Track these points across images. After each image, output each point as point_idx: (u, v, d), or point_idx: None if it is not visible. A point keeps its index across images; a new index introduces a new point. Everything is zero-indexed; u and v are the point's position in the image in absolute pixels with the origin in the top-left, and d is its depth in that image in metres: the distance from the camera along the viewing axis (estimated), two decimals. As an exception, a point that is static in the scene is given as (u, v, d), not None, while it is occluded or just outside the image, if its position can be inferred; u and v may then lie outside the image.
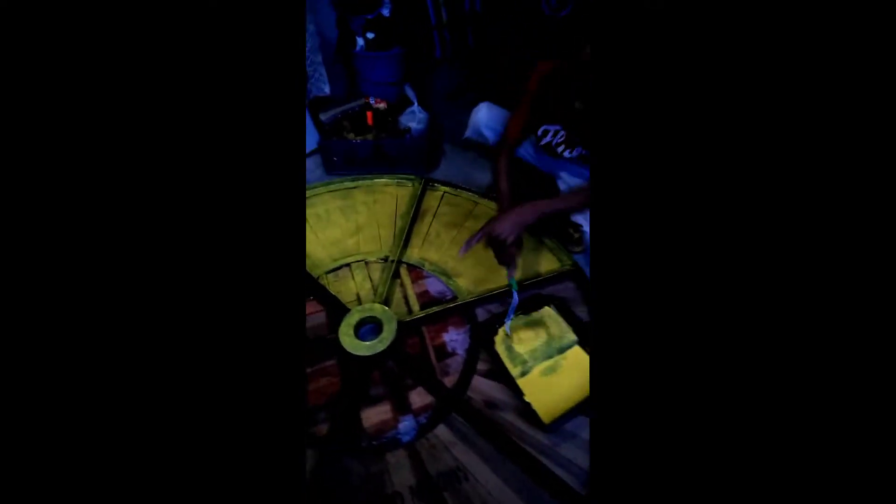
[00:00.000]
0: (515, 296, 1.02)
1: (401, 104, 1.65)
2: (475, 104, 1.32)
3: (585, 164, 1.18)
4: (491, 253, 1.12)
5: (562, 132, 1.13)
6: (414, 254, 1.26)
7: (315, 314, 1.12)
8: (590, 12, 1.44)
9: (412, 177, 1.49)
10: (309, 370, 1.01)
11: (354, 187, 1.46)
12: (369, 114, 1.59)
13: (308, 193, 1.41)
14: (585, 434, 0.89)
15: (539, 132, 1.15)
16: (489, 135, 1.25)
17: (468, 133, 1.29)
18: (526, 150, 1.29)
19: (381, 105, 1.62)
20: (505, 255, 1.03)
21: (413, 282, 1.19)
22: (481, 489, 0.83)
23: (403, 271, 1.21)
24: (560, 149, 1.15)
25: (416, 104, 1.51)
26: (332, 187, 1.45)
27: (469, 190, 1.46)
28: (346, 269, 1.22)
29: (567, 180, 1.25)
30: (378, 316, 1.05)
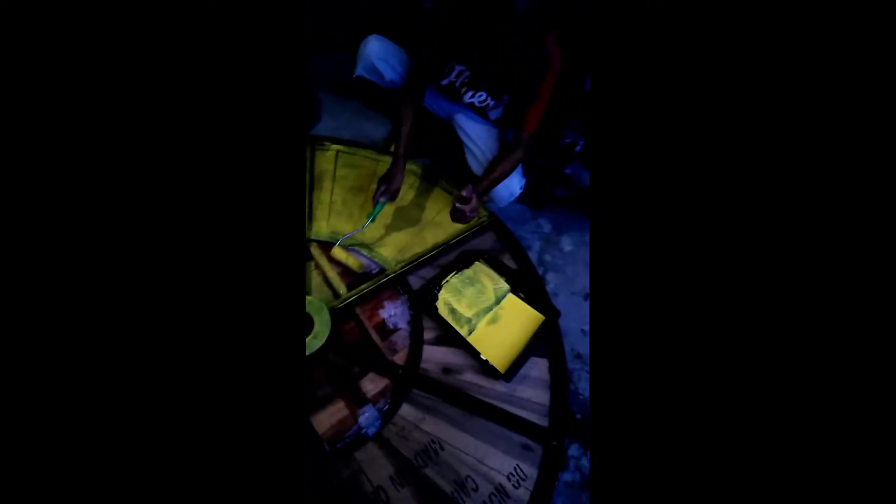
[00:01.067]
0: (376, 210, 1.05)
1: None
2: (348, 42, 1.14)
3: (481, 112, 1.16)
4: (417, 212, 1.07)
5: (466, 72, 1.06)
6: (322, 228, 1.09)
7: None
8: None
9: (293, 135, 1.25)
10: (230, 391, 0.83)
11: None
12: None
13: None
14: (535, 372, 0.96)
15: (447, 68, 1.06)
16: (385, 69, 1.10)
17: (358, 70, 1.12)
18: None
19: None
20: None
21: (330, 261, 1.04)
22: (458, 452, 0.84)
23: (316, 250, 1.05)
24: (463, 90, 1.09)
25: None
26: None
27: (364, 146, 1.31)
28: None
29: (463, 125, 1.21)
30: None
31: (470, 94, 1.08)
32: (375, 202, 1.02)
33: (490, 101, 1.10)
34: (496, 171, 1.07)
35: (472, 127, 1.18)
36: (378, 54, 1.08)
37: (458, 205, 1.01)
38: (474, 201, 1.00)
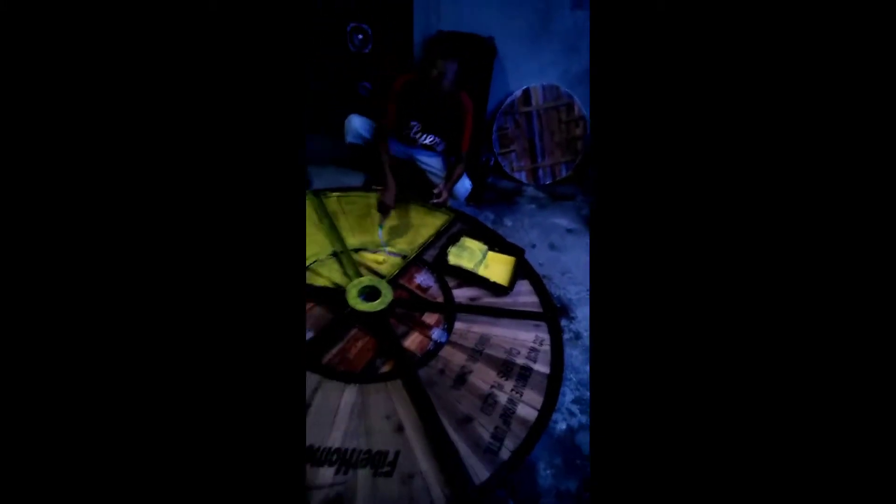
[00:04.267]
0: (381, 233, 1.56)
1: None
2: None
3: (432, 148, 1.76)
4: (409, 221, 1.58)
5: (419, 125, 1.66)
6: (354, 242, 1.52)
7: (311, 309, 1.25)
8: (389, 47, 2.00)
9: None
10: (342, 343, 1.18)
11: (256, 214, 1.53)
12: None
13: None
14: (524, 287, 1.48)
15: (405, 125, 1.64)
16: (366, 134, 1.65)
17: (349, 139, 1.64)
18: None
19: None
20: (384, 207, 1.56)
21: (368, 258, 1.47)
22: (499, 338, 1.29)
23: (356, 256, 1.47)
24: (419, 136, 1.68)
25: (279, 132, 1.69)
26: (235, 220, 1.48)
27: (352, 189, 1.79)
28: (308, 273, 1.37)
29: (421, 159, 1.80)
30: (370, 284, 1.31)
31: (424, 137, 1.67)
32: (381, 222, 1.54)
33: (437, 140, 1.70)
34: (453, 176, 1.65)
35: (428, 158, 1.76)
36: (362, 125, 1.63)
37: (434, 200, 1.56)
38: (444, 194, 1.56)
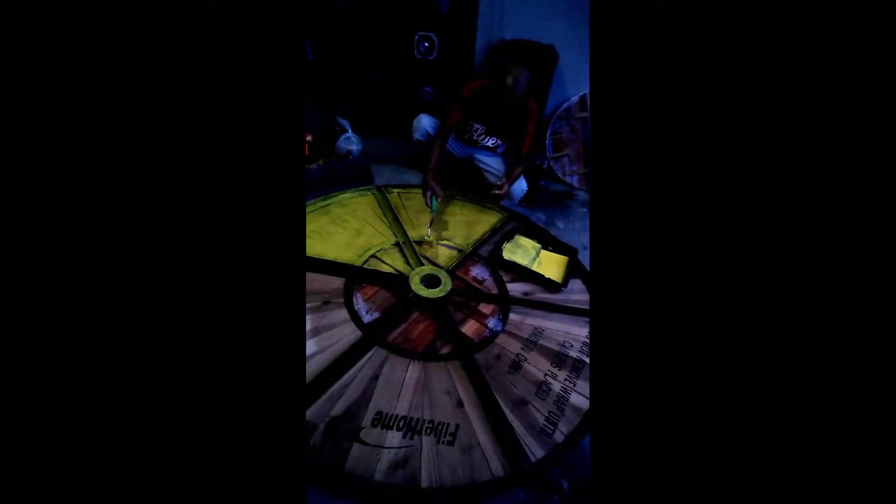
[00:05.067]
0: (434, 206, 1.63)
1: (325, 134, 1.92)
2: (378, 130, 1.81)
3: (493, 150, 1.83)
4: (465, 219, 1.64)
5: (483, 128, 1.74)
6: (414, 234, 1.62)
7: (377, 293, 1.36)
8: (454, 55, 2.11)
9: (366, 187, 1.81)
10: (405, 324, 1.27)
11: (328, 205, 1.67)
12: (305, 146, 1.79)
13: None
14: (577, 286, 1.51)
15: (469, 127, 1.73)
16: (433, 133, 1.75)
17: (417, 136, 1.75)
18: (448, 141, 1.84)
19: (309, 138, 1.85)
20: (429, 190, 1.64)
21: (427, 250, 1.56)
22: (553, 331, 1.33)
23: (417, 248, 1.56)
24: (481, 138, 1.76)
25: (350, 131, 1.83)
26: (310, 209, 1.62)
27: (411, 187, 1.90)
28: (373, 260, 1.47)
29: (481, 158, 1.87)
30: (431, 273, 1.40)
31: (486, 139, 1.75)
32: (429, 202, 1.61)
33: (499, 143, 1.77)
34: (514, 174, 1.71)
35: (487, 158, 1.83)
36: (430, 124, 1.73)
37: (495, 192, 1.63)
38: (505, 187, 1.63)
